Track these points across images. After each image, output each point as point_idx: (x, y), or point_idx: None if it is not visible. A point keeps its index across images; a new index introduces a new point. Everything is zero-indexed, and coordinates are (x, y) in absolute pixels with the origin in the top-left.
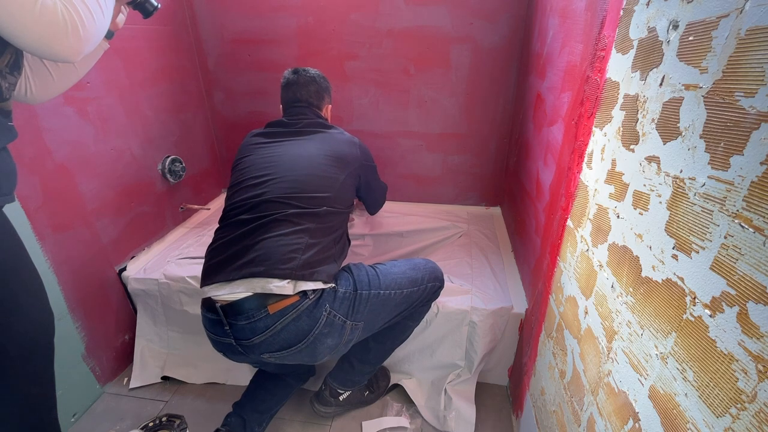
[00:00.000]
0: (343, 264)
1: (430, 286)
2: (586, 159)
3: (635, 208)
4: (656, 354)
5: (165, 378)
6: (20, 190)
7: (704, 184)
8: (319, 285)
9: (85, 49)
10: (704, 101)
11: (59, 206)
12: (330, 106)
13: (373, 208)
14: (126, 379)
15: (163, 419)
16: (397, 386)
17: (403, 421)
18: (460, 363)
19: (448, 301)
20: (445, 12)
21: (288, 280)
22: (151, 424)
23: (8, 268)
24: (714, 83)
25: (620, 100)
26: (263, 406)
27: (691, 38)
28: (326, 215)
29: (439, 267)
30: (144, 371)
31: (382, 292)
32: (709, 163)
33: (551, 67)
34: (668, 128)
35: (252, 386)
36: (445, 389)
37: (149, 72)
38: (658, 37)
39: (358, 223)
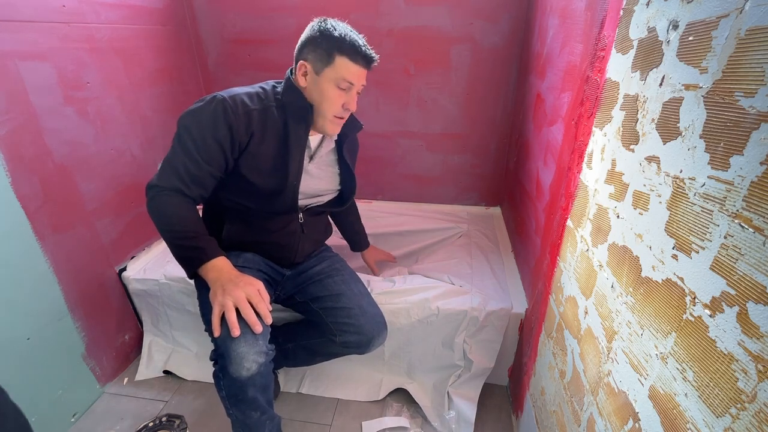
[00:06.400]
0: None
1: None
2: (586, 159)
3: (635, 208)
4: (656, 354)
5: (166, 372)
6: (20, 190)
7: (704, 184)
8: None
9: None
10: (704, 101)
11: (59, 206)
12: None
13: None
14: (126, 379)
15: (163, 419)
16: (397, 387)
17: (403, 421)
18: (460, 363)
19: (448, 301)
20: (445, 12)
21: None
22: (151, 424)
23: None
24: (714, 83)
25: (620, 100)
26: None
27: (691, 38)
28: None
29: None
30: (150, 365)
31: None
32: (709, 163)
33: (551, 67)
34: (668, 128)
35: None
36: (448, 391)
37: (149, 72)
38: (658, 37)
39: None
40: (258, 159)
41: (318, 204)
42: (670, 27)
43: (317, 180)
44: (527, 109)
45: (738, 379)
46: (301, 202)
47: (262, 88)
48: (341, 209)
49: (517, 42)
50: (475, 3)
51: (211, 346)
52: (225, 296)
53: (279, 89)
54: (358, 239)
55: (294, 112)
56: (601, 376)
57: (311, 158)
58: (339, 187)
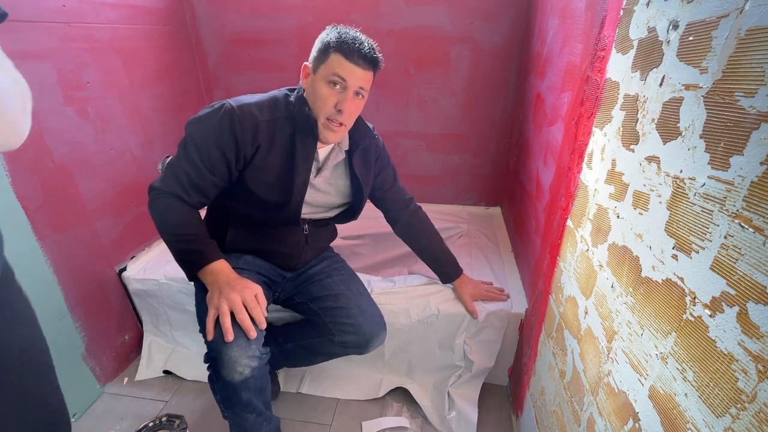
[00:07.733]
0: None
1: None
2: (586, 159)
3: (635, 208)
4: (656, 354)
5: (166, 372)
6: (20, 190)
7: (704, 184)
8: None
9: None
10: (704, 101)
11: (59, 206)
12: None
13: None
14: (126, 379)
15: (163, 419)
16: (397, 388)
17: (403, 421)
18: (460, 364)
19: (448, 302)
20: (445, 12)
21: None
22: (151, 424)
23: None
24: (714, 83)
25: (620, 100)
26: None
27: (691, 38)
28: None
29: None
30: (150, 365)
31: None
32: (709, 163)
33: (551, 67)
34: (668, 128)
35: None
36: (448, 392)
37: (149, 72)
38: (658, 37)
39: (357, 224)
40: (263, 172)
41: (326, 217)
42: (670, 27)
43: (323, 194)
44: (527, 109)
45: (738, 379)
46: (308, 215)
47: (274, 96)
48: (351, 221)
49: (517, 42)
50: (475, 3)
51: None
52: (221, 299)
53: (292, 98)
54: (443, 268)
55: (302, 125)
56: (601, 376)
57: (318, 171)
58: (349, 200)
